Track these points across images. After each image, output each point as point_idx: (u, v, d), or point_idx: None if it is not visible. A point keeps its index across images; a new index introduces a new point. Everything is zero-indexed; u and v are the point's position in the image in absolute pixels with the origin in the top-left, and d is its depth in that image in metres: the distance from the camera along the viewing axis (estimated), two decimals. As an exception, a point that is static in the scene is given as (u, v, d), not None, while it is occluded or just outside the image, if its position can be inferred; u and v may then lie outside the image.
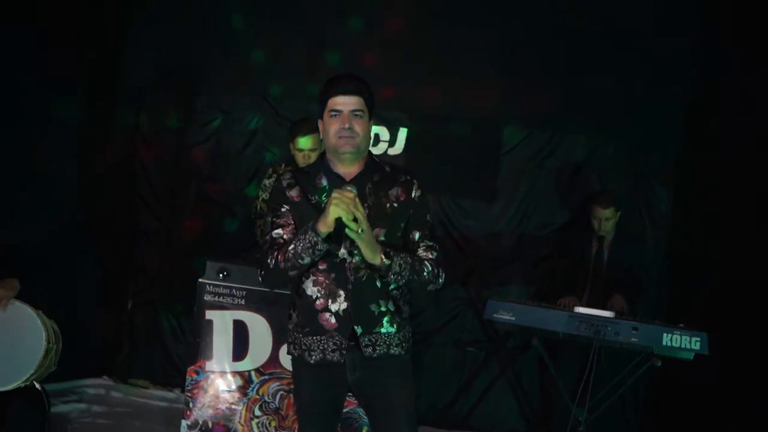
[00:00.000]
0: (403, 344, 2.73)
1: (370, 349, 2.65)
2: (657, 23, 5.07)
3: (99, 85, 5.21)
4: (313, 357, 2.68)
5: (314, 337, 2.67)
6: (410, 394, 2.74)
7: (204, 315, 4.07)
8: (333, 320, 2.65)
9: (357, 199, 2.50)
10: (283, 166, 4.51)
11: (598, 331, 3.84)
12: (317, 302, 2.66)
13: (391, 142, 5.27)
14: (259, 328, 4.05)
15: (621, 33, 5.06)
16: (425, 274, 2.65)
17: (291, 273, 2.62)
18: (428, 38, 5.19)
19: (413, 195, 2.71)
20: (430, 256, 2.68)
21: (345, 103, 2.61)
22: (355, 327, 2.64)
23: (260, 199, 4.51)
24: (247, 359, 4.05)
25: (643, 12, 5.07)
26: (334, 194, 2.49)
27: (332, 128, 2.61)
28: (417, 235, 2.71)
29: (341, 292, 2.64)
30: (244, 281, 4.05)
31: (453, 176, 5.24)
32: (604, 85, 5.08)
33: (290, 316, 2.78)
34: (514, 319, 4.00)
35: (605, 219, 4.68)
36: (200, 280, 4.07)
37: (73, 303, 4.84)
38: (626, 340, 3.85)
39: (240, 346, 4.05)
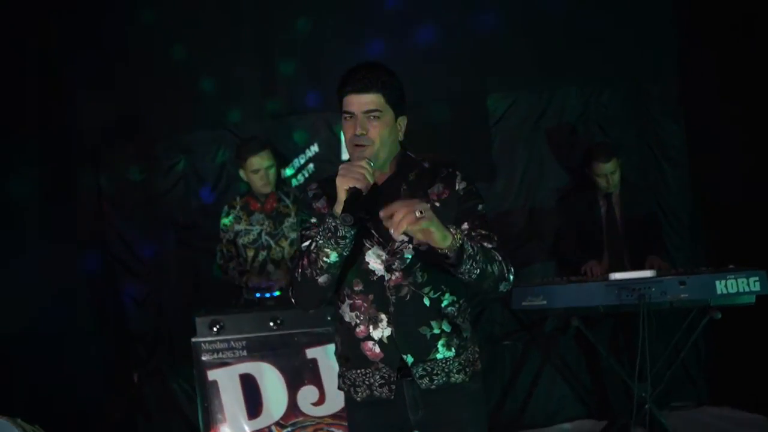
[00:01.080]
0: (466, 369, 2.32)
1: (426, 381, 2.28)
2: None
3: (51, 157, 4.84)
4: (359, 394, 2.34)
5: (359, 371, 2.33)
6: (484, 429, 2.39)
7: (206, 377, 3.81)
8: (377, 349, 2.29)
9: (369, 167, 2.16)
10: (238, 199, 4.18)
11: (642, 295, 3.48)
12: (358, 330, 2.31)
13: (371, 140, 4.89)
14: (270, 377, 3.80)
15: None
16: (496, 263, 2.19)
17: (320, 280, 2.20)
18: (385, 21, 4.83)
19: (457, 187, 2.32)
20: (490, 246, 2.23)
21: (358, 102, 2.24)
22: (404, 356, 2.27)
23: (224, 241, 4.20)
24: (264, 414, 3.80)
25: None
26: (341, 167, 2.17)
27: (347, 135, 2.29)
28: (466, 225, 2.27)
29: (383, 316, 2.27)
30: (242, 330, 3.80)
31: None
32: (585, 27, 4.77)
33: (336, 345, 2.45)
34: (545, 302, 3.66)
35: (611, 173, 4.29)
36: (193, 339, 3.84)
37: (71, 393, 4.51)
38: (675, 298, 3.50)
39: (253, 402, 3.80)
